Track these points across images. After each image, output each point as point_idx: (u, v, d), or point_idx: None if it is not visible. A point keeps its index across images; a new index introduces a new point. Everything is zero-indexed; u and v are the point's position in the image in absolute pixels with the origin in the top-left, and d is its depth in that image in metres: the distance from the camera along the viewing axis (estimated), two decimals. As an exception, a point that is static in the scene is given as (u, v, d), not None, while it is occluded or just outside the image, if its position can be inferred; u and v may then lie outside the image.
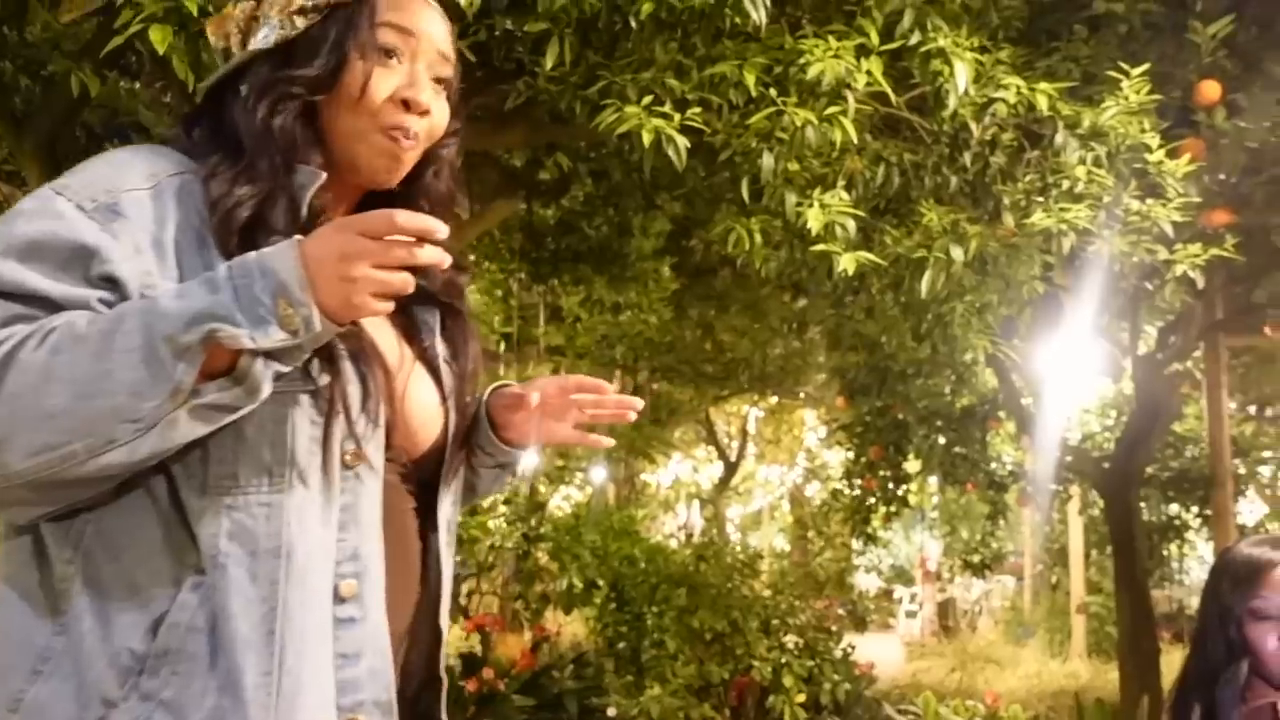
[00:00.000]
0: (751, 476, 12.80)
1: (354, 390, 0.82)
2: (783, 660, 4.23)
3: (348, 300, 0.72)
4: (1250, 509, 8.69)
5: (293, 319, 0.72)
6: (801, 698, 4.17)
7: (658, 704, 4.04)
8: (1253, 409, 7.32)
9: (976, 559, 6.33)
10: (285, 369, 0.75)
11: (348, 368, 0.82)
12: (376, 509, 0.85)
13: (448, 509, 0.97)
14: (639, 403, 0.99)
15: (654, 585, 4.50)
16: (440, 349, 0.97)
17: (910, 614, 11.02)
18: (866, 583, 14.40)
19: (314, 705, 0.79)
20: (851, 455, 5.89)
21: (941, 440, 4.96)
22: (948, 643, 8.73)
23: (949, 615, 10.10)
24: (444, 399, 0.95)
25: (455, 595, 4.05)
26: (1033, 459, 6.08)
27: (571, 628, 6.77)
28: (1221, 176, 3.98)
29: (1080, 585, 8.20)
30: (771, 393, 9.09)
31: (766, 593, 4.85)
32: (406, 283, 0.73)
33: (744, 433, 11.00)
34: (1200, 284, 2.89)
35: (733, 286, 5.32)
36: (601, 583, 4.64)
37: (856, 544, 14.24)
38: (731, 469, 11.05)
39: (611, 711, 4.16)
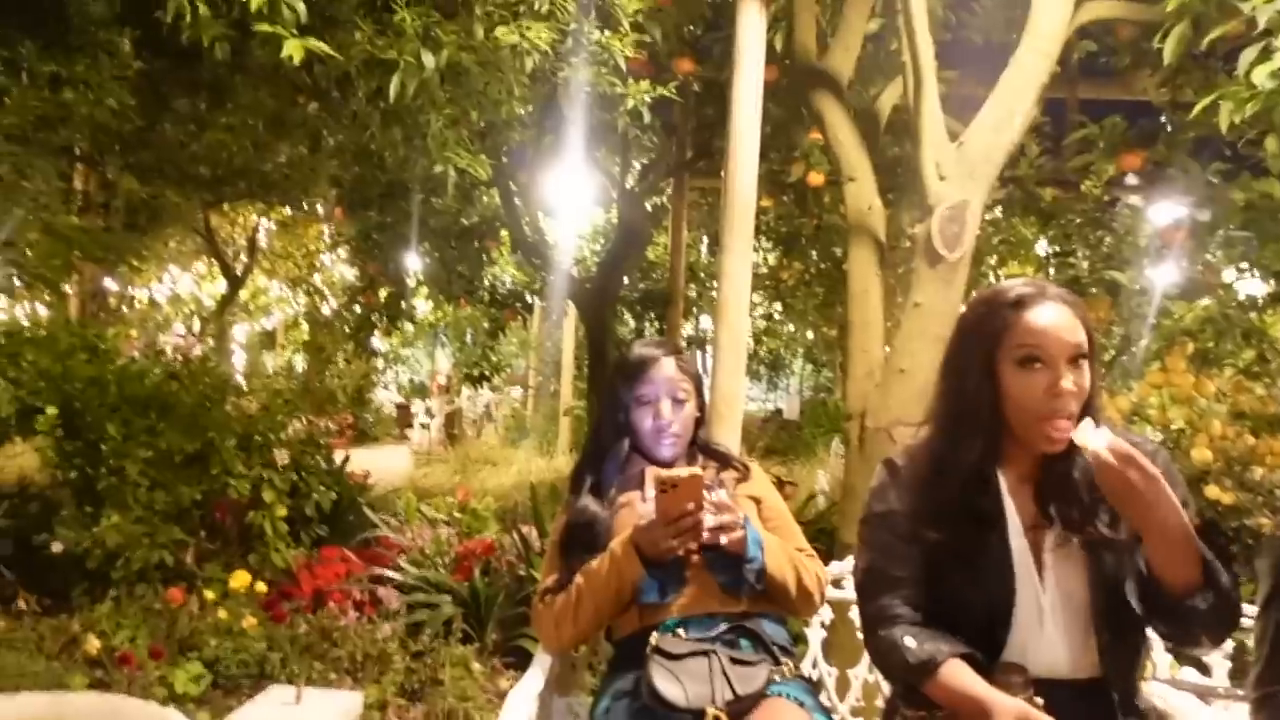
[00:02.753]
0: (263, 293, 11.97)
1: None
2: (264, 476, 4.11)
3: None
4: (706, 323, 10.45)
5: None
6: (284, 511, 4.12)
7: (116, 533, 3.69)
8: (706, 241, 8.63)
9: (476, 372, 6.71)
10: None
11: None
12: None
13: None
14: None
15: (114, 408, 4.01)
16: None
17: (424, 426, 11.49)
18: (387, 399, 14.61)
19: None
20: (356, 271, 5.75)
21: (440, 257, 5.03)
22: (453, 450, 9.30)
23: (456, 425, 10.73)
24: None
25: None
26: (532, 279, 6.53)
27: (22, 460, 5.88)
28: (690, 28, 4.40)
29: (569, 392, 9.21)
30: (281, 204, 8.42)
31: (254, 410, 4.61)
32: None
33: (253, 245, 10.13)
34: (647, 117, 3.20)
35: (227, 79, 4.67)
36: (49, 409, 4.00)
37: (379, 362, 14.34)
38: (237, 284, 10.19)
39: (57, 547, 3.71)
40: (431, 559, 4.07)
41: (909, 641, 1.42)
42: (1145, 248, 5.14)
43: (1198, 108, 2.55)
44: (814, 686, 2.07)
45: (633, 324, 6.76)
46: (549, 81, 2.75)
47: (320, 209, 8.61)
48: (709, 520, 1.77)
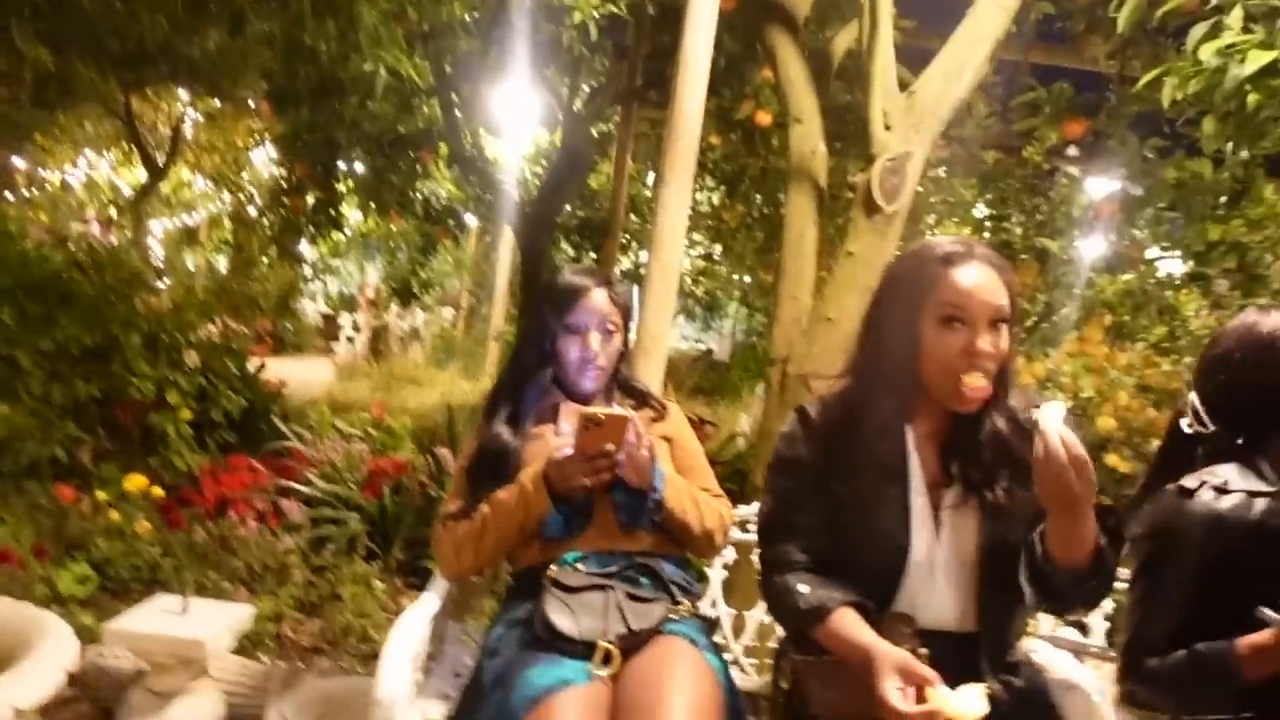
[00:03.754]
0: (186, 187, 11.41)
1: None
2: (169, 377, 3.95)
3: None
4: (645, 257, 10.35)
5: None
6: (189, 415, 3.97)
7: (5, 424, 3.51)
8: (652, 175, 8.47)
9: (405, 288, 6.53)
10: None
11: None
12: None
13: None
14: None
15: (9, 293, 3.78)
16: None
17: (349, 339, 11.23)
18: (314, 310, 14.23)
19: None
20: (283, 172, 5.49)
21: (372, 165, 4.81)
22: (377, 366, 9.13)
23: (382, 341, 10.52)
24: None
25: None
26: (469, 197, 6.32)
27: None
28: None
29: (501, 316, 9.08)
30: (208, 94, 7.96)
31: (163, 309, 4.40)
32: None
33: (176, 135, 9.60)
34: (594, 34, 3.06)
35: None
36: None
37: (307, 270, 13.89)
38: (158, 175, 9.68)
39: (-61, 435, 3.51)
40: (342, 474, 3.98)
41: (802, 588, 1.43)
42: (1078, 218, 5.23)
43: (1143, 80, 2.55)
44: (711, 625, 2.09)
45: (571, 252, 6.64)
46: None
47: (252, 104, 8.18)
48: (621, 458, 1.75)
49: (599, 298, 1.92)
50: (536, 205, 5.91)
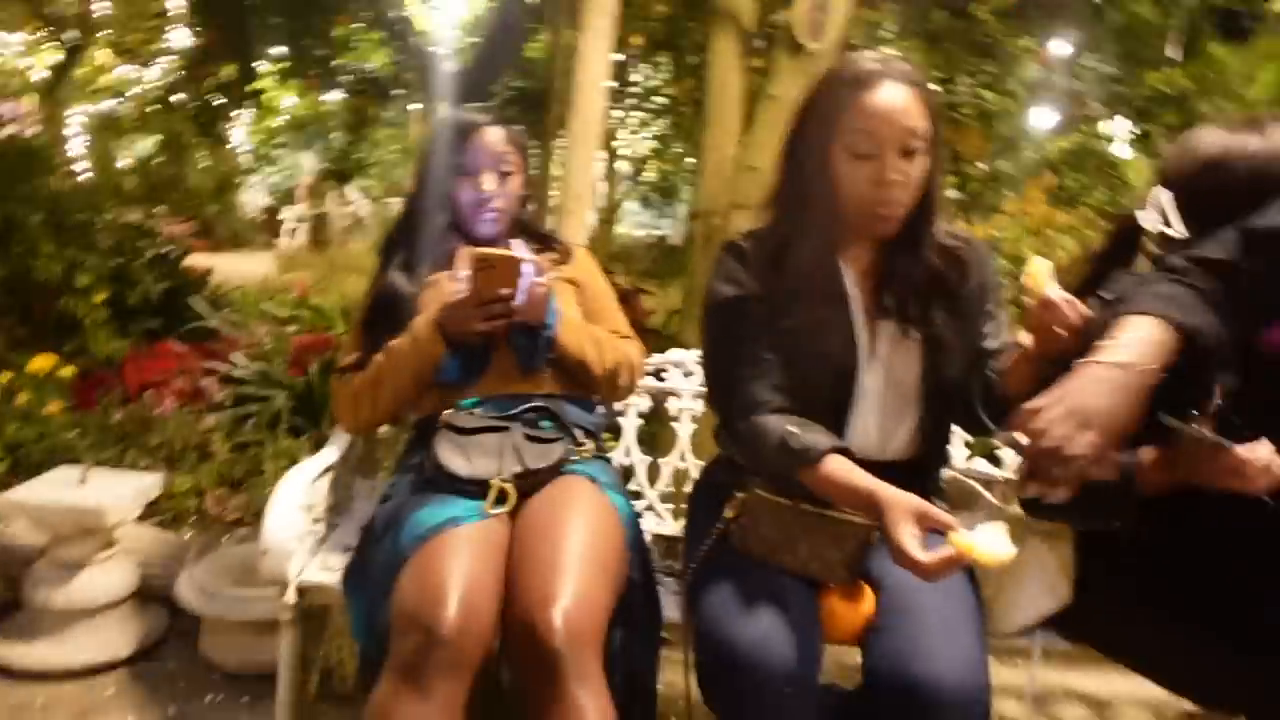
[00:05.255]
0: (104, 71, 10.76)
1: None
2: (79, 259, 3.75)
3: None
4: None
5: None
6: (102, 297, 3.79)
7: (-100, 309, 3.34)
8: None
9: (338, 168, 6.27)
10: None
11: None
12: None
13: None
14: None
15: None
16: None
17: (291, 231, 10.90)
18: (256, 204, 13.77)
19: None
20: (193, 44, 5.14)
21: (287, 29, 4.51)
22: (318, 254, 8.88)
23: (324, 230, 10.21)
24: None
25: None
26: (399, 68, 6.01)
27: None
28: None
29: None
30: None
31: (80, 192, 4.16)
32: None
33: (86, 11, 8.96)
34: None
35: None
36: None
37: (248, 161, 13.36)
38: (71, 57, 9.08)
39: None
40: (269, 354, 3.87)
41: (792, 428, 1.34)
42: (1025, 81, 5.10)
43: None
44: (625, 473, 2.06)
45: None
46: None
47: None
48: (519, 300, 1.67)
49: (493, 136, 1.82)
50: (470, 76, 5.65)
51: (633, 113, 12.14)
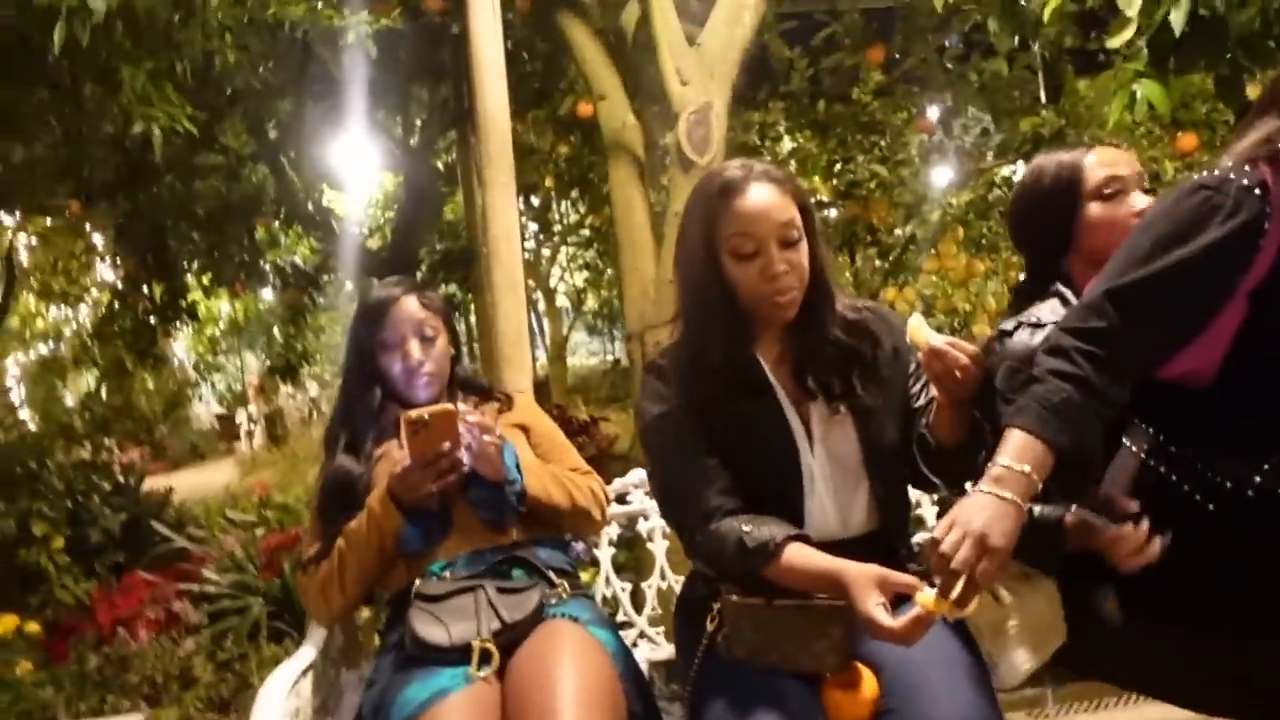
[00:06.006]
0: (38, 316, 10.83)
1: None
2: (30, 508, 3.70)
3: None
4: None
5: None
6: (60, 543, 3.72)
7: None
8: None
9: (282, 363, 6.32)
10: None
11: None
12: None
13: None
14: None
15: None
16: None
17: (249, 433, 10.84)
18: (210, 413, 13.69)
19: None
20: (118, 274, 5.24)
21: (205, 241, 4.63)
22: (279, 452, 8.82)
23: (279, 425, 10.17)
24: None
25: None
26: (322, 256, 6.16)
27: None
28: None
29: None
30: (35, 212, 7.56)
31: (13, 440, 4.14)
32: None
33: (10, 263, 9.07)
34: (374, 52, 3.00)
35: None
36: None
37: (191, 374, 13.35)
38: (3, 309, 9.13)
39: None
40: (241, 562, 3.80)
41: (746, 527, 1.37)
42: (913, 144, 5.38)
43: (915, -12, 2.62)
44: (608, 604, 2.04)
45: (443, 288, 6.54)
46: (288, 40, 2.50)
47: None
48: (466, 454, 1.68)
49: (409, 305, 1.86)
50: (392, 249, 5.81)
51: (562, 247, 12.51)
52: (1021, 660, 1.55)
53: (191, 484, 5.31)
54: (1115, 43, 2.04)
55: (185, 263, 4.82)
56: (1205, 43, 2.01)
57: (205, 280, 4.94)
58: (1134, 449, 1.36)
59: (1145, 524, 1.30)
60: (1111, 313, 1.24)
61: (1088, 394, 1.23)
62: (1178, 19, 1.91)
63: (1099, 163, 1.58)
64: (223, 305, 11.43)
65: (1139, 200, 1.55)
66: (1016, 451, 1.21)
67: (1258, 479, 1.29)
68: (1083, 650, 1.52)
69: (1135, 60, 2.18)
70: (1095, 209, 1.56)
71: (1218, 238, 1.20)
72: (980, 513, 1.18)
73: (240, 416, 11.95)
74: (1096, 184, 1.57)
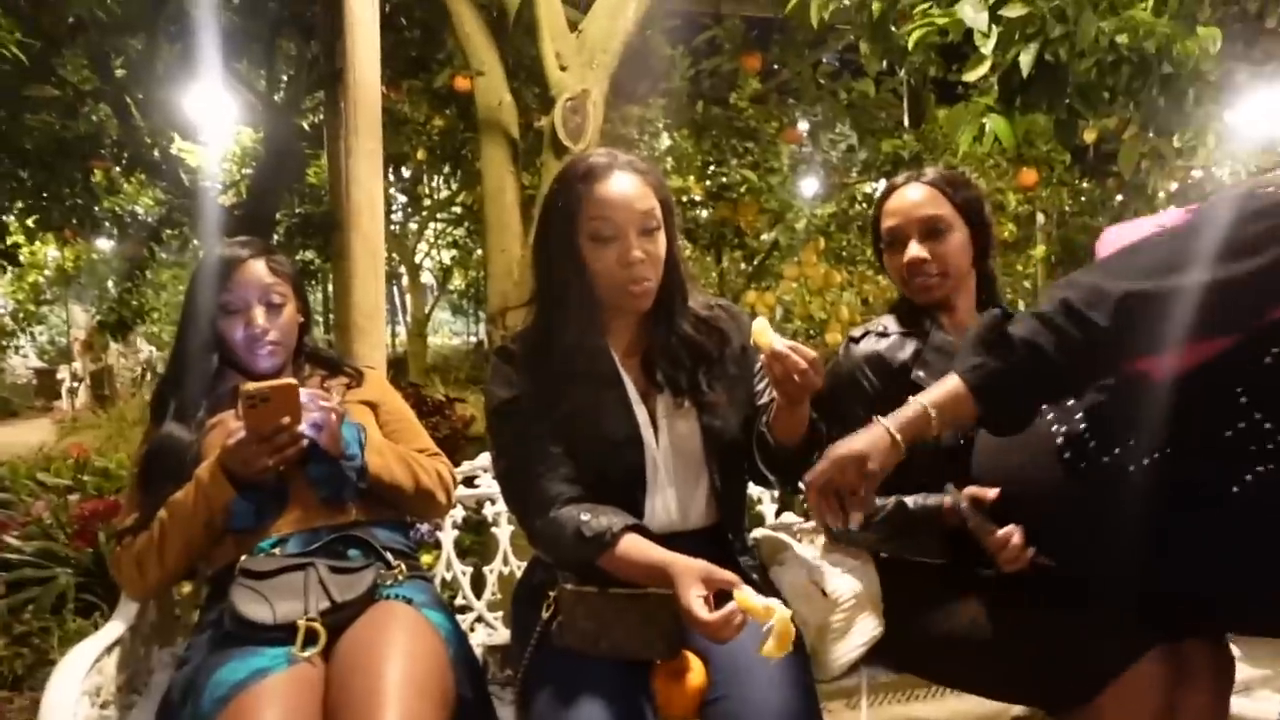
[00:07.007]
0: None
1: None
2: None
3: None
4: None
5: None
6: None
7: None
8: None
9: (114, 318, 5.85)
10: None
11: None
12: None
13: None
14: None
15: None
16: None
17: (72, 391, 10.02)
18: (24, 366, 12.62)
19: None
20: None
21: (33, 180, 4.24)
22: (105, 413, 8.20)
23: (108, 385, 9.45)
24: None
25: None
26: (169, 208, 5.75)
27: None
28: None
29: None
30: None
31: None
32: None
33: None
34: None
35: None
36: None
37: (8, 322, 12.22)
38: None
39: None
40: (50, 529, 3.51)
41: (584, 516, 1.38)
42: (784, 154, 5.55)
43: (792, 3, 2.69)
44: (448, 588, 2.01)
45: (300, 254, 6.22)
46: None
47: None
48: (306, 427, 1.61)
49: (257, 268, 1.76)
50: (247, 207, 5.49)
51: (431, 223, 12.19)
52: (841, 653, 1.64)
53: (1, 442, 4.85)
54: (970, 76, 2.17)
55: (7, 201, 4.40)
56: (1048, 86, 2.16)
57: (30, 223, 4.52)
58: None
59: (1019, 533, 1.40)
60: (1119, 315, 1.14)
61: (1045, 385, 1.22)
62: (1026, 61, 2.05)
63: (886, 212, 1.73)
64: (50, 251, 10.53)
65: (912, 248, 1.67)
66: (943, 399, 1.24)
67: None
68: (898, 647, 1.63)
69: (987, 95, 2.33)
70: (884, 254, 1.75)
71: (1268, 263, 1.09)
72: (861, 436, 1.24)
73: (63, 373, 11.03)
74: (883, 233, 1.74)
